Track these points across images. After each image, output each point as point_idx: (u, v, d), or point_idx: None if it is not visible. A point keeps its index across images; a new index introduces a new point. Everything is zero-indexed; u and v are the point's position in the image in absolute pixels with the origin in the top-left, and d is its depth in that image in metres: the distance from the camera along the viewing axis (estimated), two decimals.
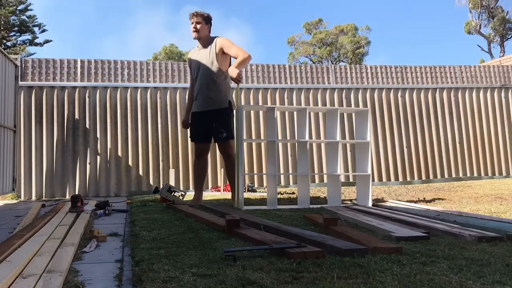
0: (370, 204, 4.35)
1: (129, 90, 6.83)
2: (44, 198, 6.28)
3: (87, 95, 6.68)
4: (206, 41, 4.44)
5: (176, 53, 31.86)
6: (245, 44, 64.26)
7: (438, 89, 7.91)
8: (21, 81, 6.50)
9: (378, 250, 2.01)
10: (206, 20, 4.42)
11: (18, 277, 1.67)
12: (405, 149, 7.61)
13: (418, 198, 5.06)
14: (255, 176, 7.02)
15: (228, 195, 5.78)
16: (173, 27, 72.14)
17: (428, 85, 7.99)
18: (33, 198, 6.32)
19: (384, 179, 7.47)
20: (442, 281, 1.54)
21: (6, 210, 4.78)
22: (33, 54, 22.36)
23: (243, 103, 7.10)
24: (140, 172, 6.70)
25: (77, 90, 6.67)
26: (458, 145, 7.80)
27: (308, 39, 31.45)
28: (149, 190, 6.46)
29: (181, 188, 6.50)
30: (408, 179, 7.54)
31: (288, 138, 7.22)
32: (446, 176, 7.66)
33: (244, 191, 5.01)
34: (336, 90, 7.54)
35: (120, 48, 71.41)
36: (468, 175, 7.73)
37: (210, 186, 6.85)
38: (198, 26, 4.37)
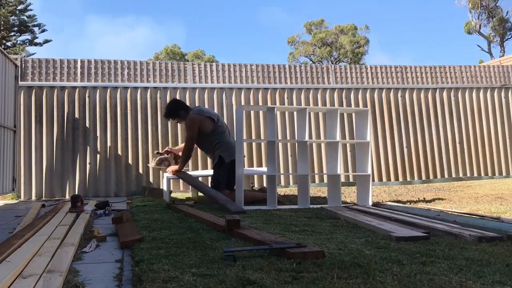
0: (370, 204, 4.35)
1: (129, 90, 6.83)
2: (44, 198, 6.28)
3: (87, 95, 6.68)
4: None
5: (178, 53, 31.77)
6: (244, 43, 64.14)
7: (438, 89, 7.90)
8: (21, 81, 6.50)
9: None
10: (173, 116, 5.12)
11: (18, 277, 1.67)
12: (405, 149, 7.60)
13: (418, 198, 5.05)
14: (255, 176, 7.02)
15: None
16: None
17: (428, 85, 7.99)
18: (33, 198, 6.32)
19: (384, 179, 7.47)
20: (442, 281, 1.54)
21: (6, 210, 4.78)
22: (33, 54, 22.33)
23: (243, 103, 7.10)
24: (140, 172, 6.70)
25: (77, 90, 6.66)
26: (458, 145, 7.80)
27: (308, 39, 31.41)
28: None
29: (181, 188, 6.51)
30: (408, 179, 7.54)
31: (288, 138, 7.21)
32: (446, 176, 7.66)
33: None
34: (336, 90, 7.54)
35: None
36: (468, 175, 7.73)
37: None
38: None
